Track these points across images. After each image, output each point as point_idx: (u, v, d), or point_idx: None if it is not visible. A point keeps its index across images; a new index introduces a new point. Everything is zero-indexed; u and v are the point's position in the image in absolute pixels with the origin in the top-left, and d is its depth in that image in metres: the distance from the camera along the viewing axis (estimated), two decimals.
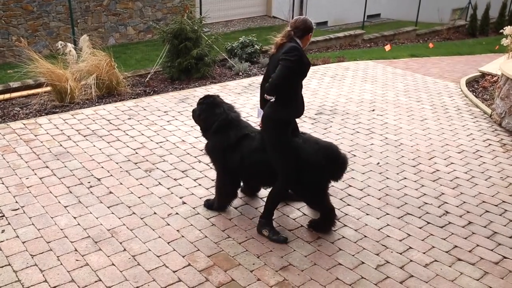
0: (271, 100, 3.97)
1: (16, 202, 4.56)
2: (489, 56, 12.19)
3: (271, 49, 4.10)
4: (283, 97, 3.96)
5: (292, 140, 4.11)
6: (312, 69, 9.64)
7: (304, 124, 6.67)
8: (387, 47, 12.21)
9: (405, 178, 5.36)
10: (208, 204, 4.61)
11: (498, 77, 7.84)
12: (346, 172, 4.39)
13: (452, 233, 4.39)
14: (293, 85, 3.98)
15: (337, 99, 7.80)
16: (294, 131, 4.25)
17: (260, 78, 8.79)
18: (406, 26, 16.12)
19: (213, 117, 4.39)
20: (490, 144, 6.36)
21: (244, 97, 7.66)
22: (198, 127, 6.39)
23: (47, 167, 5.23)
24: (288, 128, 4.06)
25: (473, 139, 6.51)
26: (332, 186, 5.07)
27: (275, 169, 4.12)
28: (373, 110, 7.39)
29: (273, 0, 15.70)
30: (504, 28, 8.92)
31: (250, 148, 4.24)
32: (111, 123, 6.49)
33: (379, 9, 18.24)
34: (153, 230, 4.24)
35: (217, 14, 14.06)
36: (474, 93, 8.53)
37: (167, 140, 6.03)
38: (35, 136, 5.98)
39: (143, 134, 6.17)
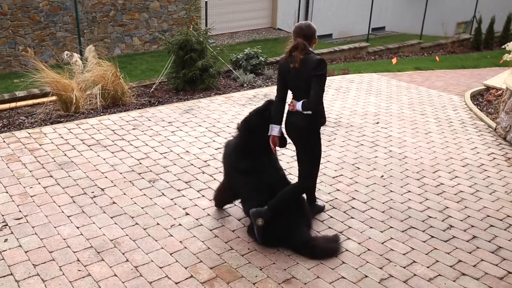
0: (305, 112, 4.11)
1: (20, 211, 4.57)
2: (493, 70, 12.19)
3: (295, 64, 4.05)
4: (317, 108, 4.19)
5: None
6: None
7: None
8: (394, 60, 12.25)
9: (409, 191, 5.34)
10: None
11: (503, 91, 7.83)
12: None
13: (456, 248, 4.36)
14: None
15: (342, 112, 7.81)
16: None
17: (265, 90, 8.82)
18: (411, 39, 16.18)
19: (244, 135, 4.36)
20: (494, 158, 6.34)
21: (249, 109, 7.67)
22: (202, 139, 6.43)
23: (51, 176, 5.24)
24: (319, 133, 4.33)
25: (478, 152, 6.49)
26: (336, 198, 5.06)
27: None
28: (377, 123, 7.39)
29: (278, 12, 15.81)
30: (507, 44, 8.92)
31: (244, 182, 4.32)
32: (115, 133, 6.51)
33: (383, 22, 18.35)
34: (156, 241, 4.24)
35: (222, 25, 14.15)
36: (478, 107, 8.52)
37: (171, 151, 6.04)
38: (40, 145, 6.00)
39: (147, 145, 6.18)
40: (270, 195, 4.19)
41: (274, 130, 4.24)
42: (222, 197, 4.71)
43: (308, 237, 4.19)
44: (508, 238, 4.54)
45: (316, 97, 4.02)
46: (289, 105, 4.23)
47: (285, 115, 4.31)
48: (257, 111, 4.40)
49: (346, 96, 8.71)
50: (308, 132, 4.23)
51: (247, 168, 4.29)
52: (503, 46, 9.35)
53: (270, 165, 4.35)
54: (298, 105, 4.11)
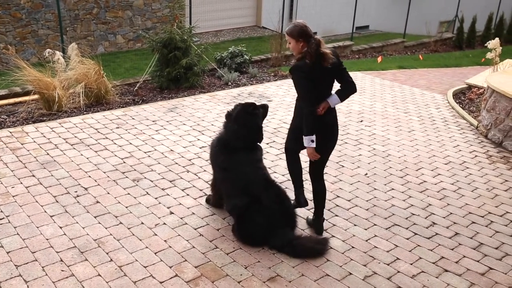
0: (332, 107, 4.15)
1: (1, 211, 4.50)
2: (475, 69, 12.35)
3: (329, 62, 3.94)
4: None
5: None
6: None
7: None
8: (379, 59, 12.35)
9: (393, 189, 5.39)
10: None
11: (484, 90, 7.94)
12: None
13: (439, 244, 4.42)
14: None
15: None
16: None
17: (249, 88, 8.82)
18: (394, 38, 16.30)
19: (230, 131, 4.33)
20: (476, 156, 6.42)
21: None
22: (186, 137, 6.41)
23: (33, 176, 5.18)
24: None
25: (460, 150, 6.57)
26: None
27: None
28: (361, 121, 7.44)
29: (263, 11, 15.81)
30: (488, 42, 9.05)
31: (223, 178, 4.39)
32: (99, 132, 6.45)
33: (367, 21, 18.46)
34: (140, 240, 4.21)
35: (207, 24, 14.11)
36: (460, 105, 8.63)
37: (155, 150, 6.00)
38: (22, 144, 5.92)
39: (131, 144, 6.14)
40: (249, 193, 4.20)
41: (313, 141, 4.04)
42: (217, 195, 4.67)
43: (291, 237, 4.19)
44: (489, 235, 4.61)
45: (352, 79, 4.22)
46: (320, 110, 4.04)
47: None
48: (244, 104, 4.39)
49: None
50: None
51: (224, 164, 4.30)
52: (485, 45, 9.47)
53: (252, 164, 4.34)
54: (333, 100, 4.09)
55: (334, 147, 4.33)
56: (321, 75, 4.01)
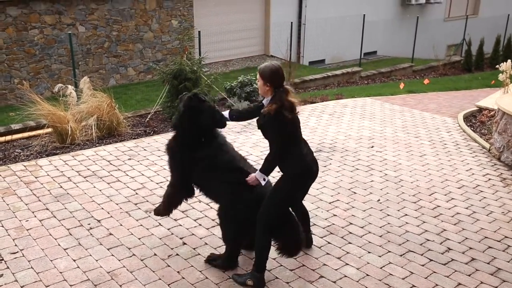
0: None
1: (16, 245, 4.53)
2: (485, 91, 12.33)
3: (297, 110, 3.93)
4: None
5: None
6: (310, 106, 9.75)
7: None
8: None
9: (406, 214, 5.34)
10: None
11: (495, 112, 7.91)
12: None
13: (455, 270, 4.35)
14: None
15: (336, 136, 7.85)
16: None
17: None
18: (403, 62, 16.40)
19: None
20: (490, 179, 6.36)
21: (244, 136, 7.71)
22: None
23: (47, 209, 5.22)
24: None
25: (473, 174, 6.52)
26: (333, 224, 5.06)
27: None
28: (372, 147, 7.43)
29: (271, 39, 16.01)
30: (500, 65, 9.06)
31: None
32: (111, 164, 6.51)
33: (375, 47, 18.61)
34: (153, 272, 4.20)
35: (216, 54, 14.29)
36: (472, 128, 8.59)
37: (167, 180, 6.01)
38: (36, 178, 5.99)
39: (143, 175, 6.18)
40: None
41: (265, 180, 3.99)
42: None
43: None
44: (507, 259, 4.53)
45: None
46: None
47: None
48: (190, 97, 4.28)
49: (340, 121, 8.77)
50: None
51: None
52: (496, 66, 9.47)
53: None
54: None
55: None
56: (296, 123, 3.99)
